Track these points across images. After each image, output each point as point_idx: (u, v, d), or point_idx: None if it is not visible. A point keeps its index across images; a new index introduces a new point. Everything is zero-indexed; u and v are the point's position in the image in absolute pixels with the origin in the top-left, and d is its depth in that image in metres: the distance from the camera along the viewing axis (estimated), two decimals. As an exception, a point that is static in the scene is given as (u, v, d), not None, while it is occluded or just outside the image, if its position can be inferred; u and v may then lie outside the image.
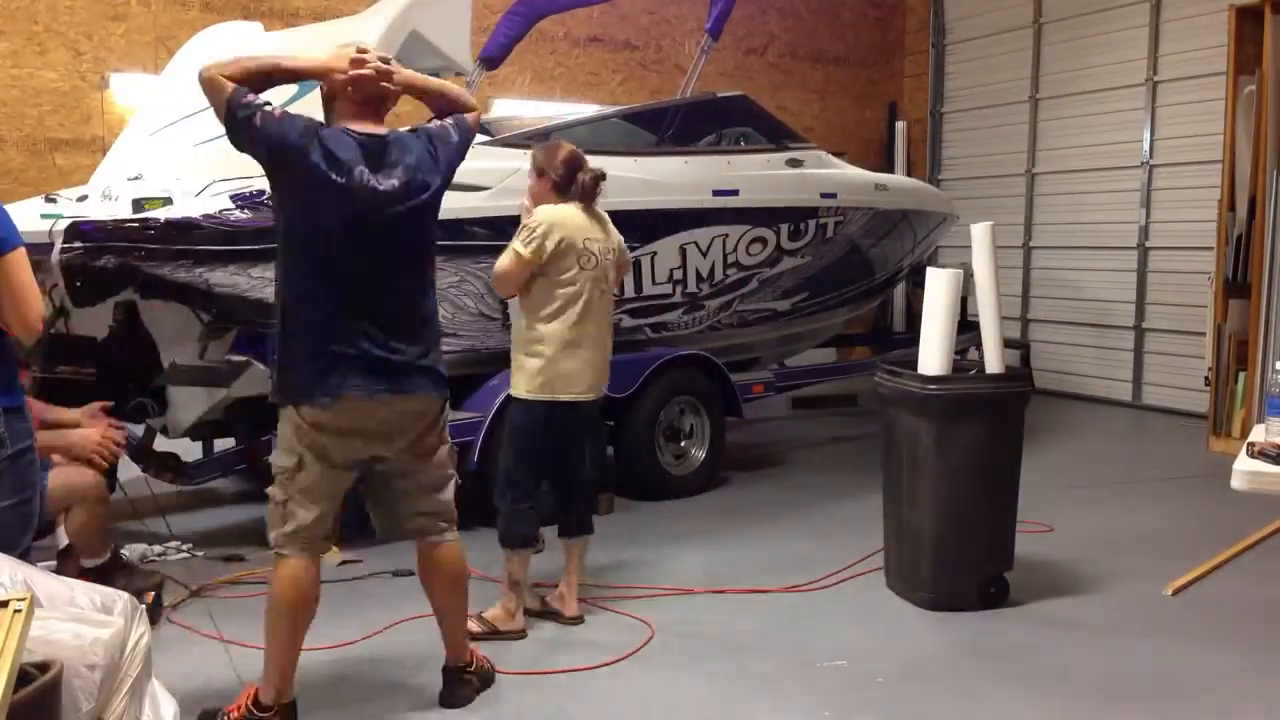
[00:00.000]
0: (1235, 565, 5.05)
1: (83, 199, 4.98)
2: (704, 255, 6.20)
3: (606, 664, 3.85)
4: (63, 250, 4.46)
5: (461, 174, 5.21)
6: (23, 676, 2.13)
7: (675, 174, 6.10)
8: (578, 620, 4.25)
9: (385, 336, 3.18)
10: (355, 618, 4.25)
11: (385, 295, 3.20)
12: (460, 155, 3.44)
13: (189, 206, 4.62)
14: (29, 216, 4.66)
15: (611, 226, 4.25)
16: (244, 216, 4.61)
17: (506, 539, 4.16)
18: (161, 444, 5.57)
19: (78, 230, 4.44)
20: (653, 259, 5.96)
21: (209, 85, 3.06)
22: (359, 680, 3.74)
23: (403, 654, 3.94)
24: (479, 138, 5.92)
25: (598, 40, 10.11)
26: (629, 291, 5.94)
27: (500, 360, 5.61)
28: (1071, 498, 6.22)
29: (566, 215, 4.08)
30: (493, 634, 4.06)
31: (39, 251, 4.69)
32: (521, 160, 5.50)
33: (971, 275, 4.60)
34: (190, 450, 5.66)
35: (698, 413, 6.30)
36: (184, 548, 5.10)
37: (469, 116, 3.50)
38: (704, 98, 6.80)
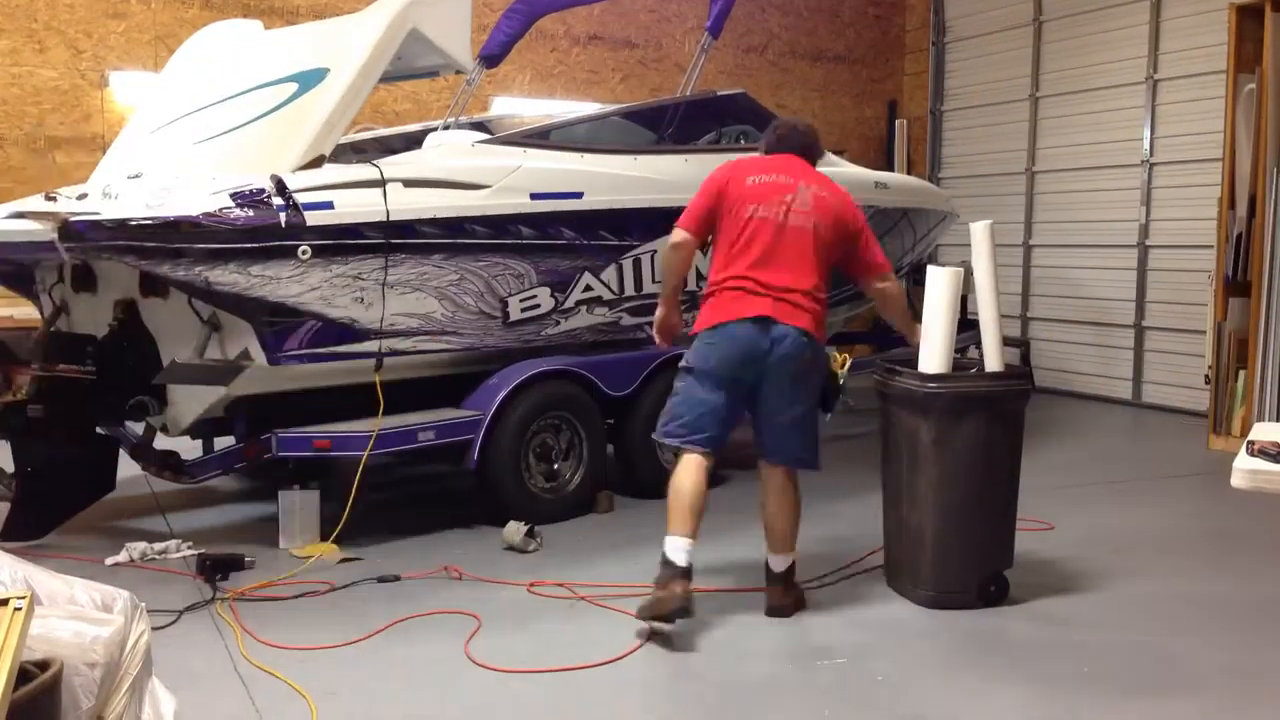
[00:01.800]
0: (1235, 565, 5.05)
1: (83, 197, 4.97)
2: (704, 254, 6.18)
3: (606, 663, 3.85)
4: (67, 249, 4.47)
5: (461, 173, 5.30)
6: (23, 674, 2.13)
7: (675, 172, 6.08)
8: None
9: None
10: (355, 619, 4.26)
11: None
12: None
13: (190, 204, 4.61)
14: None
15: None
16: (244, 215, 4.61)
17: None
18: (162, 442, 5.58)
19: (69, 229, 4.44)
20: (653, 257, 5.95)
21: None
22: (369, 677, 3.75)
23: (407, 651, 3.96)
24: (479, 136, 5.97)
25: (598, 38, 10.11)
26: (629, 290, 5.95)
27: (500, 359, 5.63)
28: (1071, 496, 6.22)
29: None
30: None
31: (39, 251, 4.72)
32: (521, 158, 5.53)
33: (972, 273, 4.60)
34: (190, 448, 5.66)
35: (698, 411, 6.29)
36: (184, 546, 5.09)
37: None
38: (704, 96, 6.79)
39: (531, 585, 4.62)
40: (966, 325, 5.67)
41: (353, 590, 4.58)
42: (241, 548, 5.03)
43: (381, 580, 4.67)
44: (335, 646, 3.96)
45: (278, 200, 4.68)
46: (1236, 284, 7.56)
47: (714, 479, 6.30)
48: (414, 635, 4.09)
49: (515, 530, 5.14)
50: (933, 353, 4.35)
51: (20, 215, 4.68)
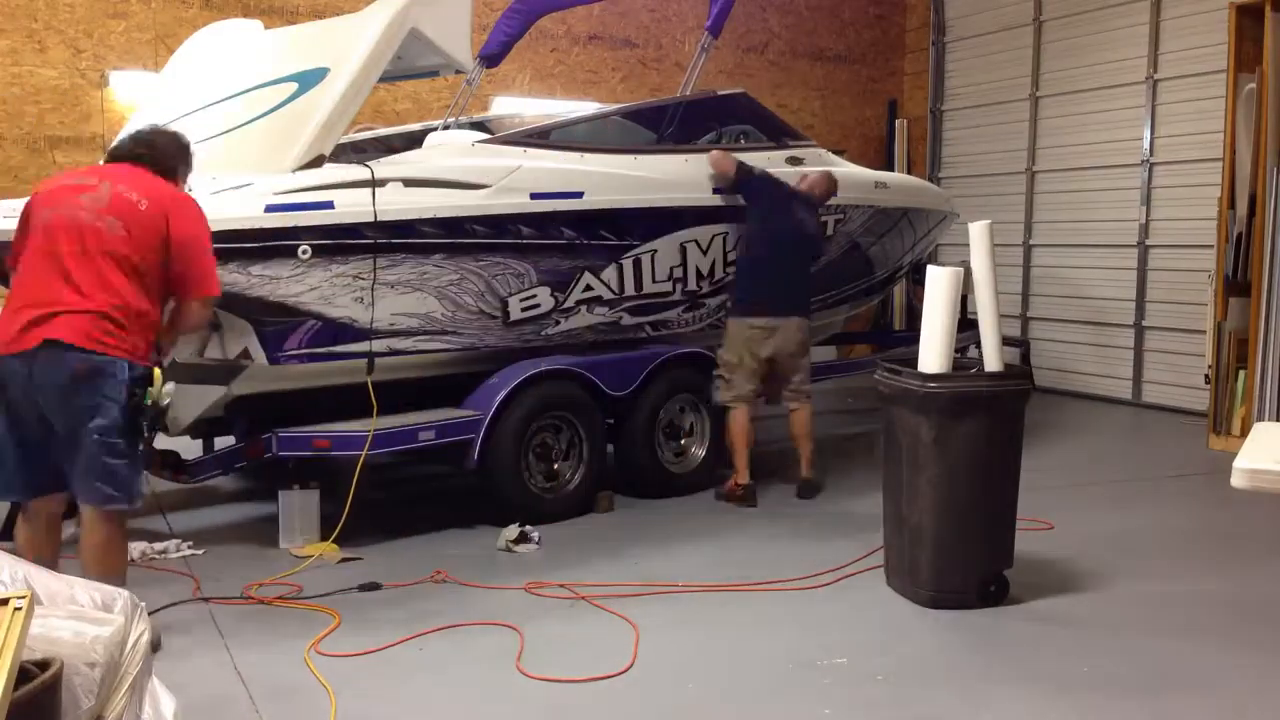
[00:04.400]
0: (1235, 565, 5.05)
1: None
2: (704, 253, 6.20)
3: (606, 662, 3.85)
4: None
5: (461, 172, 5.30)
6: (23, 674, 2.14)
7: (675, 172, 6.09)
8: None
9: None
10: (354, 623, 4.26)
11: None
12: None
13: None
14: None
15: None
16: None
17: None
18: (162, 442, 5.57)
19: None
20: (653, 257, 5.96)
21: None
22: (372, 679, 3.75)
23: (408, 652, 3.96)
24: (479, 136, 5.97)
25: (597, 38, 10.11)
26: (629, 290, 5.95)
27: (500, 359, 5.63)
28: (1071, 495, 6.22)
29: None
30: None
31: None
32: (521, 158, 5.53)
33: (971, 273, 4.60)
34: (190, 448, 5.65)
35: (698, 410, 6.30)
36: (184, 546, 5.09)
37: None
38: (704, 96, 6.79)
39: (531, 586, 4.62)
40: (966, 325, 5.67)
41: (349, 595, 4.57)
42: (241, 548, 5.03)
43: (362, 589, 4.55)
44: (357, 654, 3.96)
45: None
46: (1236, 284, 7.56)
47: (713, 477, 6.36)
48: (415, 638, 4.09)
49: (514, 531, 5.14)
50: (933, 352, 4.35)
51: None
